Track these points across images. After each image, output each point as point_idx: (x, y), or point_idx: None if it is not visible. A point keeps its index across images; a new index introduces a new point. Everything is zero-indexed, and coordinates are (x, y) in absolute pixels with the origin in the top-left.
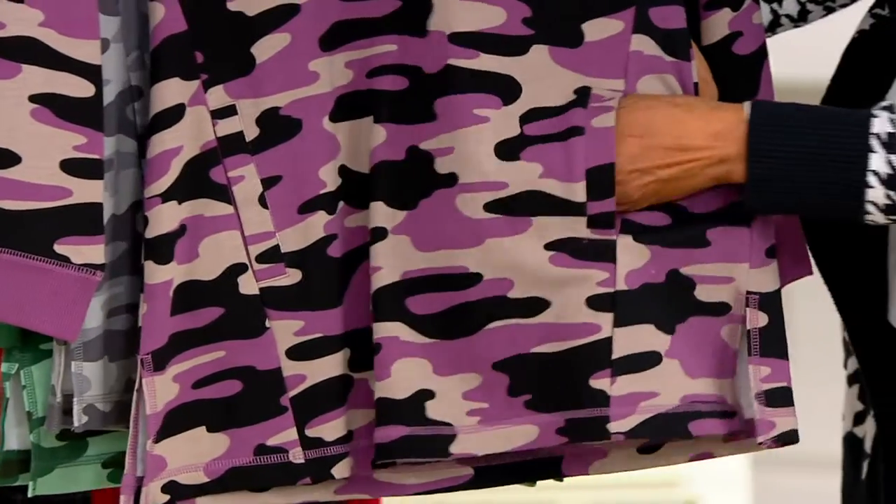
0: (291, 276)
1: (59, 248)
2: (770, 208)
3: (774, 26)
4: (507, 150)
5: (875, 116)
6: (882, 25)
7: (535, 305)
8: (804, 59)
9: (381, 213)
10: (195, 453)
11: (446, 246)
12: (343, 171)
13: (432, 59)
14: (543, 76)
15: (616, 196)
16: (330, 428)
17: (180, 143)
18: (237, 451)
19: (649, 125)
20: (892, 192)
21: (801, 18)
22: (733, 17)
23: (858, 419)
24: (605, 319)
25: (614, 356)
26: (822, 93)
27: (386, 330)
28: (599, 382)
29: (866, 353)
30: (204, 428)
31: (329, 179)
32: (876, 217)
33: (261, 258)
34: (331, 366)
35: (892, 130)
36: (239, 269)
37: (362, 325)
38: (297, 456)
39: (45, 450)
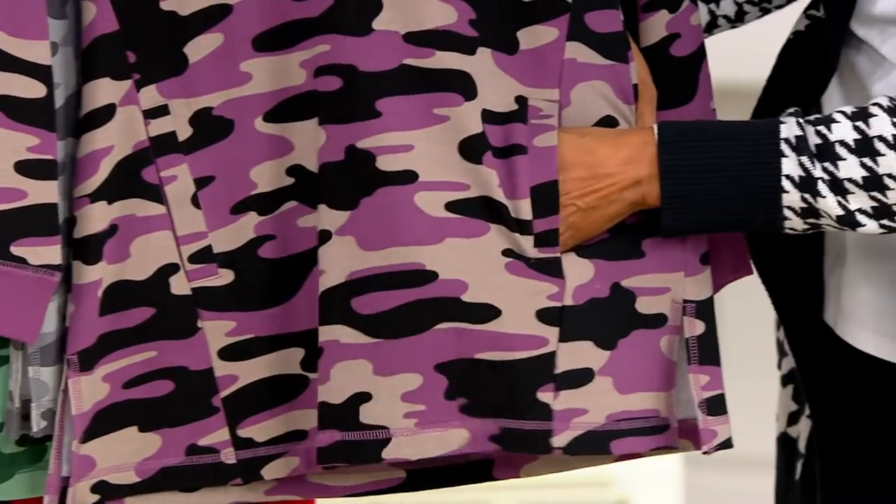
0: (224, 277)
1: (15, 249)
2: (687, 227)
3: (711, 27)
4: (472, 149)
5: (783, 122)
6: (817, 27)
7: (487, 312)
8: (741, 61)
9: (325, 216)
10: (126, 453)
11: (400, 243)
12: (297, 170)
13: (378, 58)
14: (490, 78)
15: None
16: (262, 429)
17: (111, 142)
18: (169, 451)
19: (560, 160)
20: (807, 195)
21: (738, 19)
22: (671, 19)
23: (792, 419)
24: (552, 333)
25: (557, 371)
26: (759, 94)
27: (327, 333)
28: (545, 396)
29: (803, 352)
30: (135, 428)
31: (262, 180)
32: (794, 223)
33: (193, 258)
34: (265, 367)
35: (799, 133)
36: (171, 269)
37: (316, 325)
38: (228, 456)
39: (4, 456)
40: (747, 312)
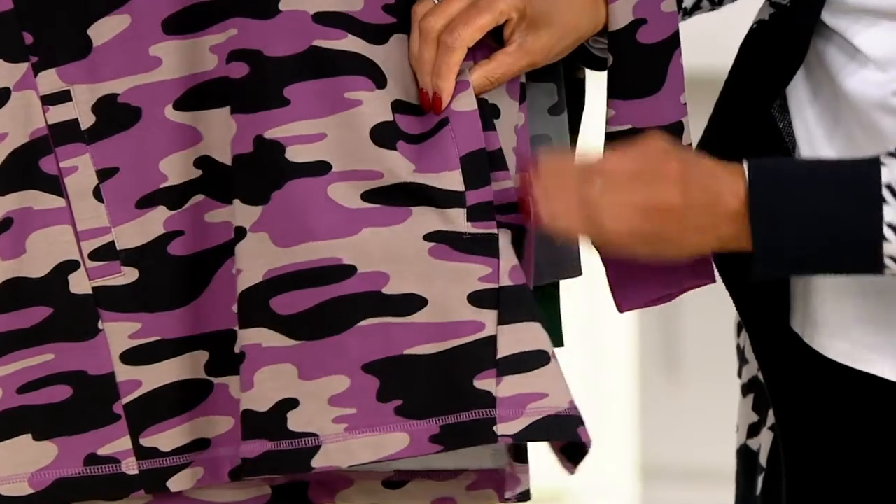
0: (128, 275)
1: None
2: (778, 274)
3: (694, 9)
4: (383, 136)
5: (884, 165)
6: (781, 15)
7: (411, 303)
8: (703, 49)
9: (239, 211)
10: (20, 463)
11: (315, 238)
12: (205, 161)
13: (287, 42)
14: (405, 67)
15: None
16: (167, 437)
17: (4, 129)
18: (65, 461)
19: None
20: None
21: (719, 2)
22: (639, 3)
23: (753, 431)
24: (489, 317)
25: (499, 355)
26: (717, 83)
27: (249, 337)
28: (484, 383)
29: (769, 361)
30: (30, 436)
31: (173, 172)
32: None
33: (94, 255)
34: (171, 371)
35: None
36: (70, 266)
37: (223, 326)
38: (130, 466)
39: None
40: (705, 317)
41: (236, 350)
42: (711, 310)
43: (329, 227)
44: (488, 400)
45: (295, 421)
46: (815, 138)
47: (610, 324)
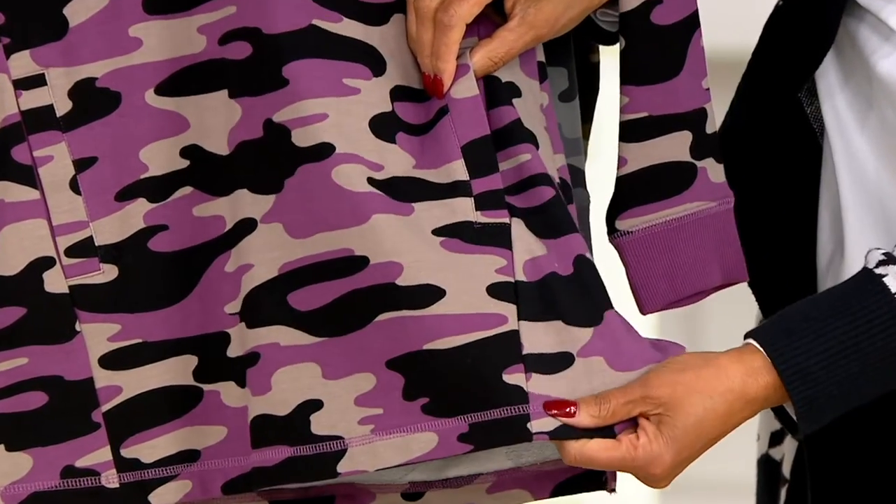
0: (107, 273)
1: None
2: (826, 420)
3: None
4: (383, 127)
5: (884, 276)
6: None
7: (428, 294)
8: (718, 28)
9: (246, 202)
10: None
11: (325, 228)
12: (193, 151)
13: (285, 18)
14: (405, 49)
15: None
16: (150, 448)
17: None
18: (41, 474)
19: (700, 440)
20: None
21: None
22: None
23: (775, 439)
24: (510, 310)
25: (525, 351)
26: (738, 64)
27: (263, 336)
28: (514, 377)
29: None
30: (2, 447)
31: (154, 162)
32: None
33: (71, 251)
34: (154, 376)
35: None
36: (44, 263)
37: (214, 329)
38: (110, 479)
39: None
40: (728, 321)
41: (242, 352)
42: (735, 313)
43: (337, 215)
44: (520, 395)
45: (319, 423)
46: (845, 125)
47: None
